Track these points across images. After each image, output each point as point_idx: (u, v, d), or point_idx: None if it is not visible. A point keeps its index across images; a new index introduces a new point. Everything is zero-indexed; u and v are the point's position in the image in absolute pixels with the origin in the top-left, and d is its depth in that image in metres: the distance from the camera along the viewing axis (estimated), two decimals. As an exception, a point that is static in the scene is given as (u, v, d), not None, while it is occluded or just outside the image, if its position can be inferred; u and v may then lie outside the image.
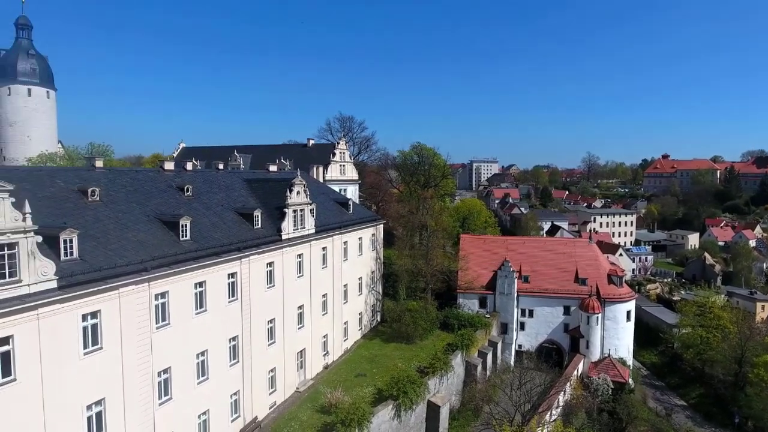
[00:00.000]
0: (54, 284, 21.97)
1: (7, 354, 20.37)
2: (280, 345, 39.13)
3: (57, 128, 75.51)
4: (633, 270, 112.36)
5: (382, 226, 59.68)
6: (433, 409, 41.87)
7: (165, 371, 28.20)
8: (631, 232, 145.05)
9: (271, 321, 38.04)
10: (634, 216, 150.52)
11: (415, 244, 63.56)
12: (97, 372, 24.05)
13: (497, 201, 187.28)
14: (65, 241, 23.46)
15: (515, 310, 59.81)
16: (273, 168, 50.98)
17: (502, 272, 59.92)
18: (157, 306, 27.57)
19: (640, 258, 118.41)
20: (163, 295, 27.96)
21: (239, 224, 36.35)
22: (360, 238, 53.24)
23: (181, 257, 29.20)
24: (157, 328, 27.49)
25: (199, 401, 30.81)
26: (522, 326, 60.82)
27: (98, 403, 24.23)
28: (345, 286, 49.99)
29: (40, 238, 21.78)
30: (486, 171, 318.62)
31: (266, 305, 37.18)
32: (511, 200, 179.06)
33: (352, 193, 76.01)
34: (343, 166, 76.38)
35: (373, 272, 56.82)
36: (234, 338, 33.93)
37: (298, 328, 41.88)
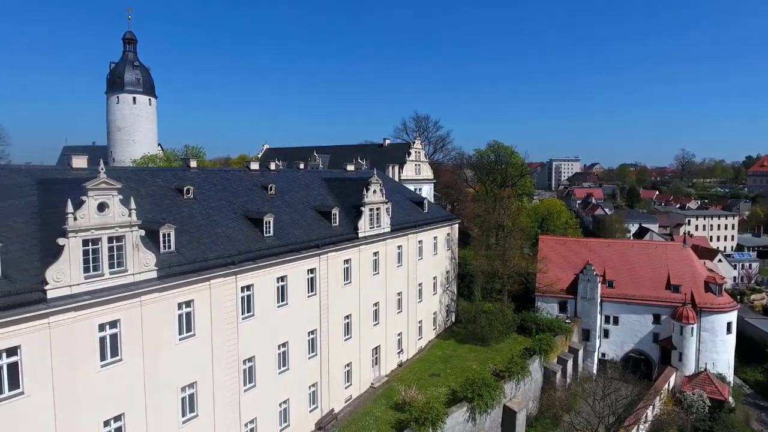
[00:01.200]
0: (154, 274, 23.96)
1: (114, 336, 22.54)
2: (356, 341, 39.95)
3: (157, 132, 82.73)
4: (734, 278, 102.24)
5: (457, 225, 59.02)
6: (509, 414, 40.74)
7: (250, 360, 29.82)
8: (733, 236, 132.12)
9: (347, 317, 38.95)
10: (736, 218, 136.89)
11: (492, 244, 62.14)
12: (191, 357, 25.94)
13: (578, 201, 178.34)
14: (164, 235, 25.51)
15: (598, 316, 56.60)
16: (350, 167, 52.14)
17: (584, 276, 56.96)
18: (243, 298, 29.22)
19: (743, 265, 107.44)
20: (248, 287, 29.57)
21: (318, 222, 37.56)
22: (435, 238, 53.00)
23: (264, 252, 30.71)
24: (243, 319, 29.13)
25: (280, 390, 32.25)
26: (606, 334, 57.42)
27: (191, 385, 26.15)
28: (420, 285, 50.01)
29: (143, 232, 23.80)
30: (567, 170, 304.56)
31: (343, 301, 38.12)
32: (593, 200, 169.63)
33: (427, 192, 75.84)
34: (418, 165, 76.41)
35: (447, 272, 56.35)
36: (312, 332, 35.14)
37: (374, 325, 42.50)
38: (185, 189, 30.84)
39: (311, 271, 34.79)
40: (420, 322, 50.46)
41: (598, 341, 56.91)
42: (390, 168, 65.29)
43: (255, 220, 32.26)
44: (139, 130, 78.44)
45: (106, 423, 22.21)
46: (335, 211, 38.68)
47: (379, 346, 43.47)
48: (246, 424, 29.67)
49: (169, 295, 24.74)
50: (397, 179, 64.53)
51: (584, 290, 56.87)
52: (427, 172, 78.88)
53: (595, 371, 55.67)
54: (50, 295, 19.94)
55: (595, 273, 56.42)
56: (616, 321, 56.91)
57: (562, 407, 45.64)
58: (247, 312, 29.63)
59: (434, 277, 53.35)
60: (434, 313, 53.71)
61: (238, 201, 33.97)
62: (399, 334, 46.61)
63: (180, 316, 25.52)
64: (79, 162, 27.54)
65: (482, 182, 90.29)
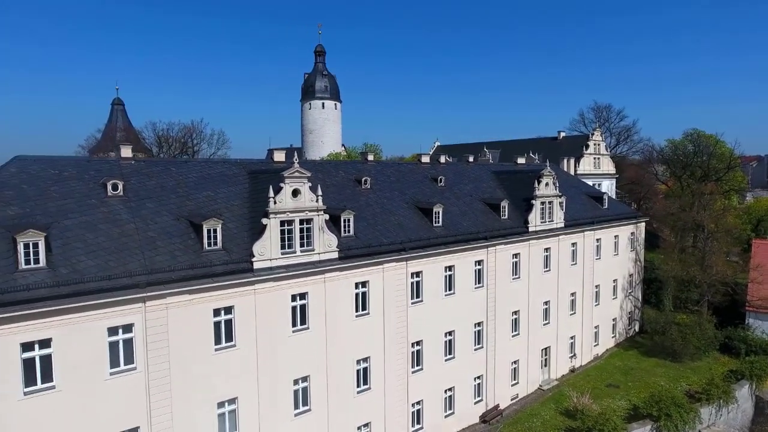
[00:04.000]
0: (336, 255, 26.50)
1: (303, 307, 25.59)
2: (523, 338, 38.54)
3: (342, 133, 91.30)
4: None
5: (643, 224, 52.65)
6: (706, 443, 34.98)
7: (417, 343, 31.02)
8: None
9: (515, 313, 37.80)
10: None
11: (687, 247, 53.96)
12: (364, 334, 28.05)
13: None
14: (344, 221, 28.03)
15: (841, 342, 44.87)
16: (521, 161, 50.38)
17: (820, 291, 45.75)
18: (412, 283, 30.51)
19: None
20: (417, 274, 30.76)
21: (486, 214, 37.17)
22: (616, 236, 48.11)
23: (433, 241, 31.58)
24: (412, 304, 30.42)
25: (446, 377, 32.84)
26: None
27: (365, 359, 28.28)
28: (597, 287, 45.97)
29: (327, 217, 26.47)
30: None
31: (511, 296, 37.09)
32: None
33: (608, 187, 69.19)
34: (598, 158, 70.19)
35: (630, 275, 50.67)
36: (479, 324, 34.97)
37: (543, 324, 40.46)
38: (363, 180, 33.38)
39: (479, 262, 34.62)
40: (596, 327, 46.37)
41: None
42: (565, 161, 61.34)
43: (425, 210, 33.36)
44: (327, 132, 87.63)
45: (296, 381, 25.37)
46: (504, 203, 37.81)
47: (549, 347, 41.20)
48: (413, 404, 30.95)
49: (347, 275, 27.12)
50: (573, 173, 60.24)
51: (820, 309, 45.66)
52: (607, 166, 71.99)
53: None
54: (256, 266, 23.53)
55: (837, 288, 44.88)
56: None
57: (782, 447, 37.48)
58: (416, 297, 30.85)
59: (614, 280, 48.47)
60: (613, 320, 48.81)
61: (410, 192, 35.50)
62: (572, 338, 43.53)
63: (356, 294, 27.79)
64: (279, 156, 31.91)
65: (676, 177, 78.66)
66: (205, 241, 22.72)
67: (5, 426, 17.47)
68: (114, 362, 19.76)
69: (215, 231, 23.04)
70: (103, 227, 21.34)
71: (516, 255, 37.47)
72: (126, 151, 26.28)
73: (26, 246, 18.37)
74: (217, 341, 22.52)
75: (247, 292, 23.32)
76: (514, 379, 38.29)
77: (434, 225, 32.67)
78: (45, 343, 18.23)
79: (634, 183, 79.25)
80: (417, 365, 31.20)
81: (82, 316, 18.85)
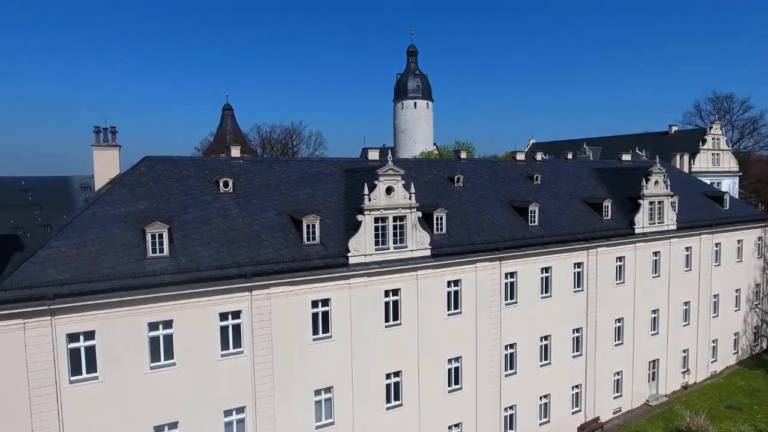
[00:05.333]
0: (428, 252, 26.53)
1: (396, 303, 25.93)
2: (628, 348, 35.82)
3: (433, 132, 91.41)
4: None
5: (774, 228, 46.54)
6: None
7: (511, 346, 30.09)
8: None
9: (618, 320, 35.26)
10: None
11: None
12: (457, 333, 27.77)
13: None
14: (437, 219, 27.97)
15: None
16: (626, 157, 46.84)
17: None
18: (506, 284, 29.66)
19: None
20: (511, 274, 29.85)
21: (586, 214, 35.06)
22: (739, 241, 43.04)
23: (529, 241, 30.44)
24: (505, 305, 29.58)
25: (541, 383, 31.50)
26: None
27: (456, 359, 28.01)
28: (715, 296, 41.47)
29: (419, 214, 26.59)
30: None
31: (614, 302, 34.65)
32: None
33: (729, 187, 62.10)
34: (716, 155, 63.25)
35: (757, 285, 45.05)
36: (578, 330, 33.10)
37: (651, 335, 37.29)
38: (456, 178, 33.06)
39: (578, 265, 32.77)
40: (714, 341, 41.85)
41: None
42: (677, 158, 56.03)
43: (520, 209, 32.26)
44: (419, 131, 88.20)
45: (388, 376, 25.80)
46: (607, 203, 35.41)
47: (658, 360, 37.88)
48: (506, 409, 30.08)
49: (440, 273, 27.03)
50: (686, 171, 54.90)
51: None
52: (728, 162, 64.60)
53: None
54: (351, 261, 24.27)
55: None
56: None
57: None
58: (510, 299, 29.94)
59: (737, 290, 43.39)
60: (735, 334, 43.72)
61: (504, 190, 34.53)
62: (684, 351, 39.67)
63: (449, 293, 27.60)
64: (373, 155, 32.63)
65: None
66: (305, 235, 23.88)
67: (136, 393, 19.72)
68: (224, 345, 21.48)
69: (314, 226, 24.14)
70: (215, 221, 23.28)
71: (620, 258, 34.93)
72: (235, 152, 28.43)
73: (153, 236, 20.56)
74: (315, 332, 23.58)
75: (343, 286, 24.12)
76: (617, 392, 35.71)
77: (530, 224, 31.47)
78: (167, 324, 20.27)
79: (761, 182, 70.34)
80: (510, 368, 30.26)
81: (198, 302, 20.71)
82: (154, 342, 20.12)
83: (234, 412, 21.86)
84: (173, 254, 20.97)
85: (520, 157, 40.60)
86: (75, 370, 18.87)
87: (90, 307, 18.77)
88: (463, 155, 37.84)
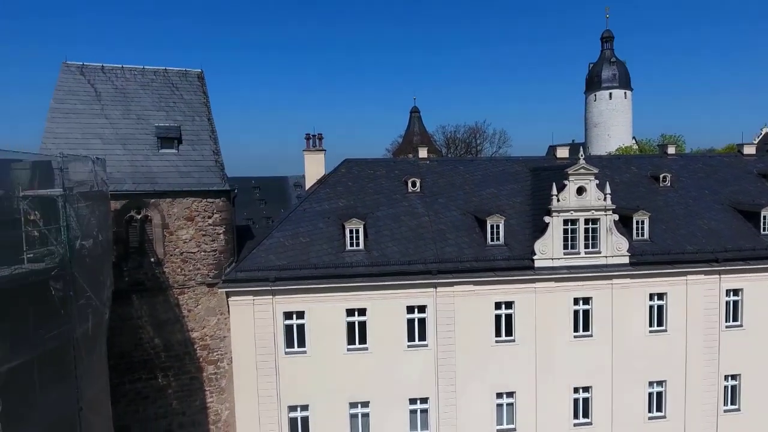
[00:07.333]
0: (626, 260, 23.97)
1: (586, 312, 24.08)
2: None
3: (632, 125, 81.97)
4: None
5: None
6: None
7: (733, 377, 25.33)
8: None
9: None
10: None
11: None
12: (660, 352, 24.47)
13: None
14: (637, 222, 25.08)
15: None
16: None
17: None
18: (727, 302, 25.10)
19: None
20: (735, 291, 25.14)
21: None
22: None
23: (761, 253, 25.21)
24: (726, 327, 25.03)
25: (774, 427, 25.86)
26: None
27: (659, 383, 24.72)
28: None
29: (616, 217, 24.19)
30: None
31: None
32: None
33: None
34: None
35: None
36: (832, 367, 26.20)
37: None
38: (661, 176, 29.13)
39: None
40: None
41: None
42: None
43: (748, 213, 26.86)
44: (614, 125, 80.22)
45: (576, 390, 24.11)
46: None
47: None
48: (724, 451, 25.49)
49: (640, 283, 24.20)
50: None
51: None
52: None
53: None
54: (537, 264, 23.34)
55: None
56: None
57: None
58: (733, 320, 25.22)
59: None
60: None
61: (725, 190, 29.17)
62: None
63: (651, 307, 24.53)
64: (562, 152, 30.82)
65: None
66: (489, 235, 23.81)
67: (334, 368, 22.19)
68: (410, 337, 22.78)
69: (498, 227, 23.89)
70: (404, 219, 24.76)
71: None
72: (422, 153, 29.72)
73: (351, 231, 22.89)
74: (498, 333, 23.35)
75: (527, 290, 23.35)
76: None
77: (762, 232, 26.01)
78: (362, 312, 22.41)
79: None
80: (732, 404, 25.46)
81: (387, 293, 22.40)
82: (350, 326, 22.37)
83: (418, 401, 23.03)
84: (367, 248, 23.00)
85: (749, 150, 33.69)
86: (288, 343, 22.18)
87: (301, 290, 21.83)
88: (671, 150, 33.11)
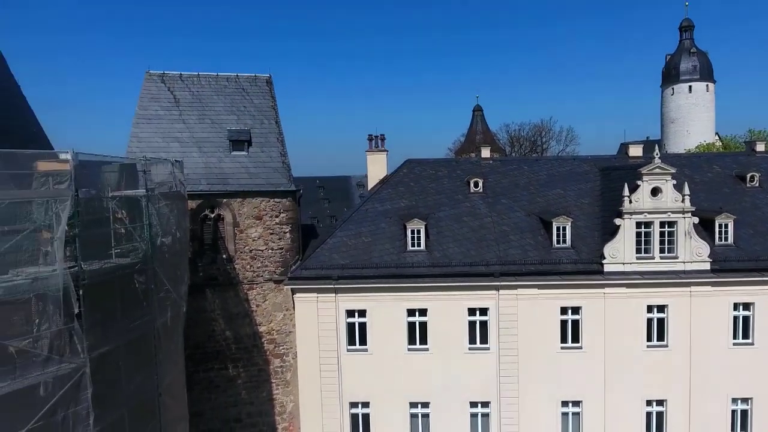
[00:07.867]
0: (707, 266, 22.32)
1: (661, 321, 22.65)
2: None
3: (715, 120, 75.80)
4: None
5: None
6: None
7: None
8: None
9: None
10: None
11: None
12: (745, 366, 22.56)
13: None
14: (720, 226, 23.30)
15: None
16: None
17: None
18: (828, 315, 22.71)
19: None
20: (836, 303, 22.66)
21: None
22: None
23: None
24: (824, 341, 22.66)
25: None
26: None
27: (745, 400, 22.80)
28: None
29: (696, 220, 22.57)
30: None
31: None
32: None
33: None
34: None
35: None
36: None
37: None
38: (749, 176, 26.82)
39: None
40: None
41: None
42: None
43: None
44: (694, 120, 74.39)
45: (649, 403, 22.72)
46: None
47: None
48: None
49: (723, 291, 22.41)
50: None
51: None
52: None
53: None
54: (606, 268, 22.27)
55: None
56: None
57: None
58: (833, 335, 22.79)
59: None
60: None
61: (826, 192, 26.40)
62: None
63: (735, 317, 22.69)
64: (635, 150, 29.16)
65: None
66: (554, 238, 23.01)
67: (394, 367, 22.26)
68: (472, 339, 22.47)
69: (564, 229, 23.04)
70: (466, 219, 24.47)
71: None
72: (485, 152, 29.21)
73: (412, 232, 22.96)
74: (563, 339, 22.50)
75: (596, 295, 22.32)
76: None
77: None
78: (423, 312, 22.37)
79: None
80: (829, 425, 23.08)
81: (449, 294, 22.22)
82: (411, 326, 22.42)
83: (479, 405, 22.68)
84: (429, 248, 22.96)
85: None
86: (351, 340, 22.57)
87: (363, 289, 22.16)
88: (760, 147, 30.36)
